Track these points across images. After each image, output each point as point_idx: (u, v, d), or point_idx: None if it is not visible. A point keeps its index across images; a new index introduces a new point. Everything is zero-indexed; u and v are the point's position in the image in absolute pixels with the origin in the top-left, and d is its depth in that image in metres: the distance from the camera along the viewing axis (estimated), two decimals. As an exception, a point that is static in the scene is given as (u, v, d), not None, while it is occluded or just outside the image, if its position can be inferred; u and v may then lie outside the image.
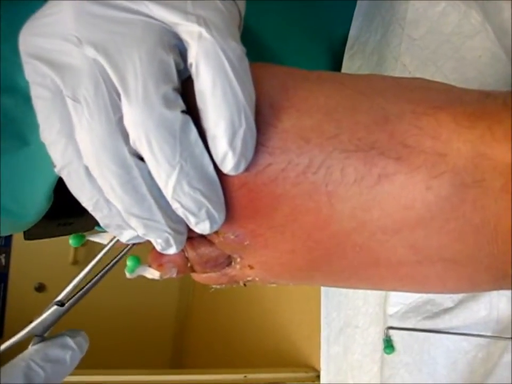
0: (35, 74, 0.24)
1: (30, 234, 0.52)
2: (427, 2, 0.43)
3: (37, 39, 0.24)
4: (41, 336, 0.29)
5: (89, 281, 0.30)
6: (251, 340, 2.14)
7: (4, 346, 0.29)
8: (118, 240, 0.29)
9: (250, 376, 1.71)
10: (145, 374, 1.61)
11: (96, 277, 0.30)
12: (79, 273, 0.29)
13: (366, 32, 0.53)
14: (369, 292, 0.48)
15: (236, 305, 2.28)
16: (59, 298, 0.29)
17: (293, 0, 0.49)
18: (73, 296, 0.29)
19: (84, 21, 0.23)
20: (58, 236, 0.55)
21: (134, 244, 0.28)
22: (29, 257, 2.24)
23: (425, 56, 0.43)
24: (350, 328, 0.51)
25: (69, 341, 0.29)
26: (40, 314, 0.29)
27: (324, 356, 0.54)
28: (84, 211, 0.50)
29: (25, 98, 0.35)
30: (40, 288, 2.33)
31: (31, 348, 0.28)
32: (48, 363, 0.28)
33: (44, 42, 0.24)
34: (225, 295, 2.37)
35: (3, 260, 2.21)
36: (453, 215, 0.23)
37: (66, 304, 0.29)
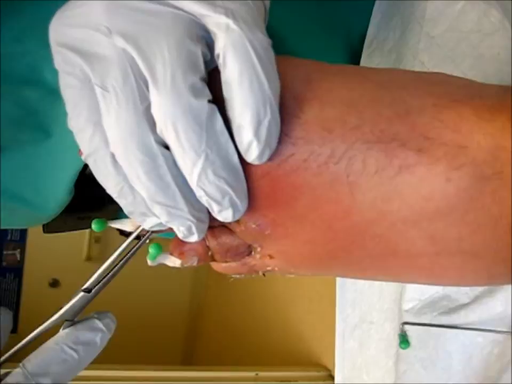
0: (64, 63, 0.25)
1: (49, 228, 0.52)
2: (446, 0, 0.44)
3: (68, 29, 0.25)
4: (71, 320, 0.30)
5: (112, 269, 0.30)
6: (263, 338, 2.14)
7: (36, 331, 0.30)
8: (141, 229, 0.30)
9: (262, 374, 1.71)
10: (157, 370, 1.62)
11: (119, 264, 0.30)
12: (104, 262, 0.30)
13: (384, 31, 0.53)
14: (384, 287, 0.49)
15: (248, 303, 2.29)
16: (85, 286, 0.30)
17: None
18: (98, 283, 0.30)
19: (114, 11, 0.24)
20: (77, 229, 0.56)
21: (152, 232, 0.29)
22: (43, 253, 2.25)
23: (443, 53, 0.43)
24: (365, 323, 0.51)
25: (98, 323, 0.30)
26: (68, 300, 0.30)
27: (339, 351, 0.55)
28: (102, 205, 0.50)
29: (50, 91, 0.36)
30: (54, 283, 2.35)
31: (62, 332, 0.30)
32: (80, 345, 0.29)
33: (75, 32, 0.24)
34: (237, 293, 2.38)
35: (18, 255, 2.23)
36: (472, 207, 0.24)
37: (92, 291, 0.30)
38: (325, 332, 1.75)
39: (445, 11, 0.43)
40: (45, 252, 2.26)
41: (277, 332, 2.07)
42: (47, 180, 0.44)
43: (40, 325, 0.30)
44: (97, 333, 0.30)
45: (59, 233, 0.55)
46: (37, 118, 0.25)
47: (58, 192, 0.44)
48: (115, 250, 0.30)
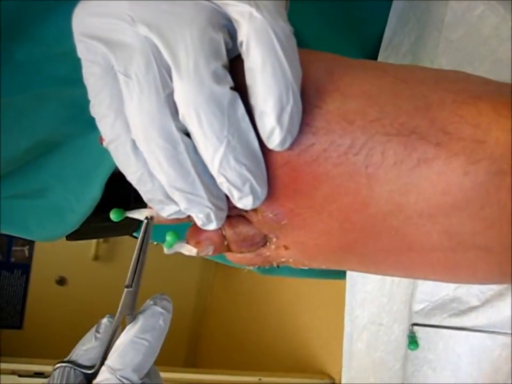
0: (87, 52, 0.25)
1: (71, 234, 0.53)
2: (466, 5, 0.44)
3: (91, 18, 0.25)
4: (131, 314, 0.32)
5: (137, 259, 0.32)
6: (267, 344, 2.14)
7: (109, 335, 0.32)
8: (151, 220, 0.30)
9: (265, 379, 1.71)
10: (159, 371, 1.62)
11: (141, 256, 0.32)
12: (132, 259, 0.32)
13: (400, 34, 0.53)
14: (395, 289, 0.49)
15: (254, 307, 2.28)
16: (126, 283, 0.32)
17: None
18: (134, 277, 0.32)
19: (137, 0, 0.24)
20: (97, 237, 0.56)
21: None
22: (51, 250, 2.27)
23: (462, 57, 0.43)
24: (373, 325, 0.51)
25: (156, 308, 0.32)
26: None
27: (346, 353, 0.55)
28: (128, 205, 0.51)
29: None
30: (61, 281, 2.36)
31: (128, 326, 0.32)
32: (147, 333, 0.31)
33: (98, 21, 0.25)
34: (243, 297, 2.37)
35: (26, 252, 2.24)
36: (487, 202, 0.24)
37: (132, 285, 0.32)
38: (330, 339, 1.74)
39: (464, 16, 0.44)
40: (53, 250, 2.27)
41: (281, 338, 2.07)
42: (90, 172, 0.45)
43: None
44: (159, 317, 0.32)
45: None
46: (84, 114, 0.26)
47: (96, 183, 0.45)
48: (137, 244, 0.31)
